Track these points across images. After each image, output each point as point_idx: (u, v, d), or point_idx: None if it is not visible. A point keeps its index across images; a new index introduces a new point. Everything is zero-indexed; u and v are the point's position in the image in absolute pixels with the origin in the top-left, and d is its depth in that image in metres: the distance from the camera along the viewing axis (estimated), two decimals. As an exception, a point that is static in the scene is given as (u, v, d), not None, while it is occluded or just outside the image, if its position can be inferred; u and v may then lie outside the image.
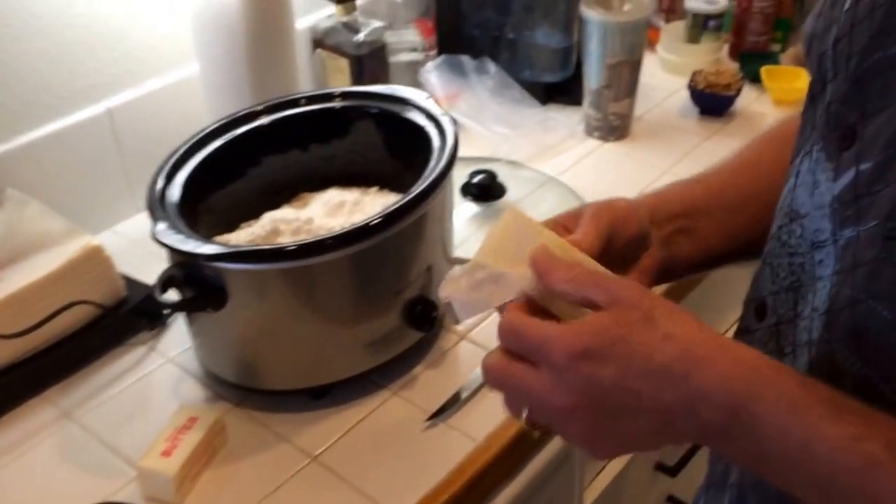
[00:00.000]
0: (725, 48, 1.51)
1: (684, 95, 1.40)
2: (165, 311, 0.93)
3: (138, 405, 0.91)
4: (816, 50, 0.58)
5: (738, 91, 1.34)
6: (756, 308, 0.62)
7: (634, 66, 1.26)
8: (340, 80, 1.29)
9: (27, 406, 0.91)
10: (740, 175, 0.73)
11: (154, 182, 0.87)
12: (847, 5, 0.55)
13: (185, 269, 0.81)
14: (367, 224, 0.80)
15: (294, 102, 0.99)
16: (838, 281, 0.52)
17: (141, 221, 1.16)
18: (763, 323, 0.61)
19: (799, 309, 0.57)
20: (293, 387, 0.88)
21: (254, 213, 0.99)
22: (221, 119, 0.97)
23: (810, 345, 0.55)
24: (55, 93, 1.07)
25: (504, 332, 0.54)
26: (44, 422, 0.89)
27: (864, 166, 0.51)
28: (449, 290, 0.57)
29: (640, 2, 1.25)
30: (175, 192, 0.88)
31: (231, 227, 0.97)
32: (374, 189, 1.02)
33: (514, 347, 0.54)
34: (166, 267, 0.83)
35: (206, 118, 1.13)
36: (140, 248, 1.11)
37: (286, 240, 0.89)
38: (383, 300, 0.87)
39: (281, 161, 1.01)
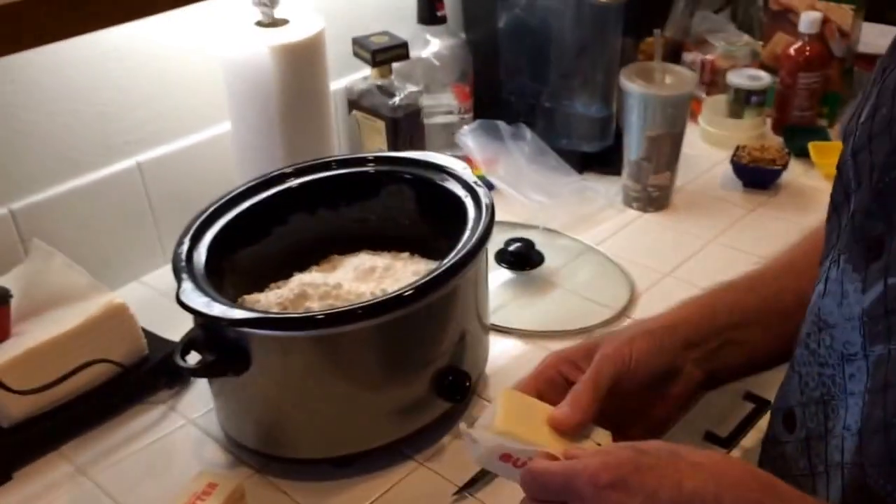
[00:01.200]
0: (769, 122, 1.48)
1: (727, 167, 1.37)
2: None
3: (156, 466, 0.88)
4: (840, 157, 0.57)
5: (785, 165, 1.30)
6: (784, 417, 0.60)
7: (676, 140, 1.24)
8: (376, 141, 1.28)
9: (43, 461, 0.88)
10: (800, 277, 0.68)
11: (180, 242, 0.86)
12: (863, 117, 0.54)
13: (207, 332, 0.79)
14: (399, 295, 0.77)
15: (326, 166, 0.98)
16: (870, 400, 0.50)
17: (168, 274, 1.14)
18: (793, 435, 0.59)
19: (830, 425, 0.55)
20: (316, 456, 0.84)
21: (282, 274, 0.97)
22: (251, 181, 0.95)
23: (843, 466, 0.52)
24: (87, 150, 1.06)
25: (527, 482, 0.53)
26: (58, 478, 0.86)
27: (892, 280, 0.49)
28: (478, 434, 0.58)
29: (684, 76, 1.23)
30: (202, 252, 0.86)
31: (259, 286, 0.95)
32: (406, 254, 0.99)
33: (540, 496, 0.52)
34: (189, 329, 0.80)
35: (238, 175, 1.12)
36: (166, 299, 1.08)
37: (314, 304, 0.86)
38: (412, 370, 0.83)
39: (311, 221, 0.99)
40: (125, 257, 1.12)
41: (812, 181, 1.35)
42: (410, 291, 0.78)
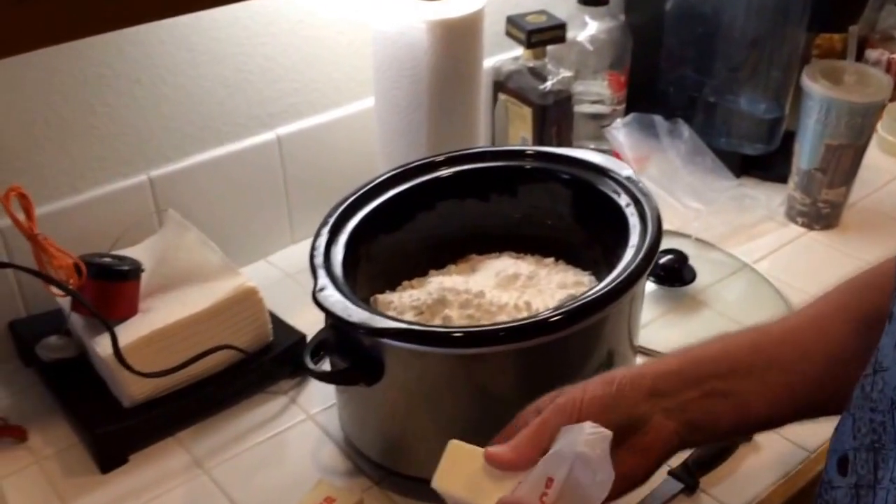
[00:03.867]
0: (956, 135, 1.34)
1: (907, 185, 1.24)
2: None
3: (272, 463, 0.84)
4: None
5: (977, 189, 1.17)
6: (839, 461, 0.57)
7: (858, 152, 1.12)
8: (521, 128, 1.20)
9: (159, 446, 0.85)
10: (806, 329, 0.65)
11: (318, 233, 0.80)
12: None
13: (340, 335, 0.73)
14: (546, 320, 0.70)
15: (479, 157, 0.91)
16: None
17: (296, 253, 1.11)
18: (845, 480, 0.56)
19: (879, 474, 0.52)
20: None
21: (417, 268, 0.91)
22: (397, 169, 0.89)
23: None
24: (229, 119, 1.02)
25: None
26: (175, 468, 0.83)
27: None
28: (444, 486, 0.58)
29: (879, 80, 1.11)
30: (340, 245, 0.80)
31: (391, 280, 0.89)
32: (551, 260, 0.92)
33: None
34: (320, 330, 0.75)
35: (379, 155, 1.07)
36: (292, 281, 1.06)
37: (453, 313, 0.79)
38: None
39: (453, 213, 0.92)
40: (255, 234, 1.09)
41: None
42: (559, 317, 0.70)
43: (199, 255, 0.92)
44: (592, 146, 1.31)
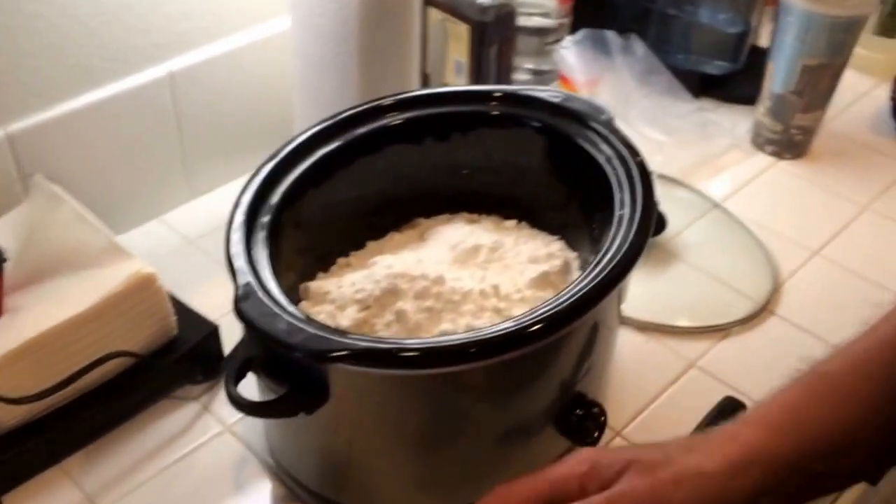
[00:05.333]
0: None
1: (876, 104, 1.12)
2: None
3: (185, 493, 0.68)
4: None
5: (960, 111, 1.06)
6: None
7: (837, 72, 0.99)
8: (457, 50, 1.03)
9: (41, 480, 0.68)
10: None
11: (232, 218, 0.62)
12: None
13: (270, 351, 0.57)
14: (530, 328, 0.55)
15: (436, 99, 0.73)
16: None
17: (196, 210, 0.93)
18: None
19: None
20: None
21: (352, 238, 0.75)
22: (331, 119, 0.71)
23: None
24: (105, 54, 0.81)
25: None
26: (61, 507, 0.67)
27: None
28: None
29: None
30: (262, 227, 0.63)
31: (323, 255, 0.73)
32: (513, 223, 0.77)
33: None
34: (241, 341, 0.59)
35: (298, 94, 0.88)
36: (194, 250, 0.88)
37: (408, 305, 0.64)
38: (536, 410, 0.62)
39: (394, 167, 0.75)
40: (145, 191, 0.90)
41: (983, 132, 1.11)
42: (546, 323, 0.55)
43: (78, 234, 0.73)
44: (531, 66, 1.15)
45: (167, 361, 0.73)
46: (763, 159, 1.06)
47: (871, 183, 1.02)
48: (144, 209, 0.90)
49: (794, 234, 0.94)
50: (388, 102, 0.72)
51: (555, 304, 0.57)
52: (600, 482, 0.44)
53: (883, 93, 1.16)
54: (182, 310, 0.76)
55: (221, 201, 0.93)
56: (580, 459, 0.46)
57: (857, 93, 1.16)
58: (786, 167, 1.05)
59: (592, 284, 0.58)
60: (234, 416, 0.73)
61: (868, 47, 1.19)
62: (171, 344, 0.74)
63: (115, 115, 0.83)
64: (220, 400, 0.75)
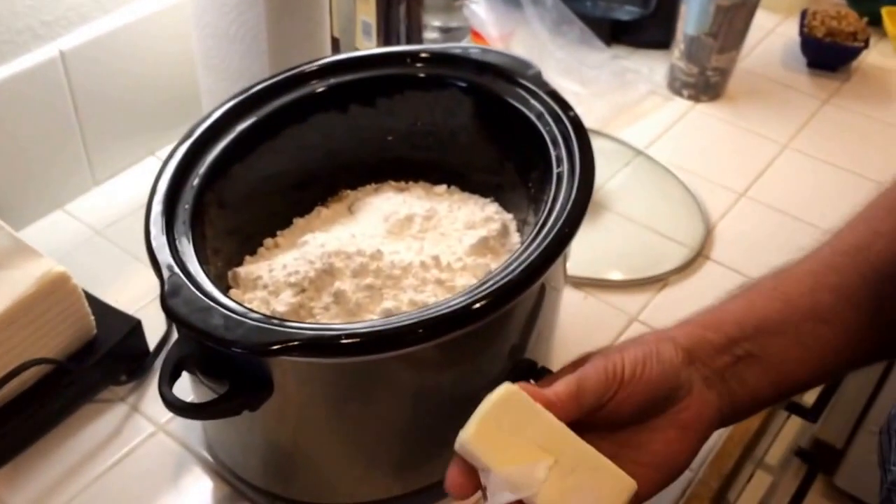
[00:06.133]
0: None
1: (785, 39, 1.13)
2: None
3: (122, 503, 0.64)
4: None
5: (866, 42, 1.07)
6: None
7: (751, 11, 0.99)
8: (364, 11, 0.99)
9: (-41, 503, 0.63)
10: (845, 268, 0.52)
11: (150, 206, 0.58)
12: None
13: (205, 349, 0.53)
14: (487, 301, 0.52)
15: (359, 63, 0.69)
16: None
17: (100, 199, 0.87)
18: None
19: None
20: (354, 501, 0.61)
21: (277, 216, 0.71)
22: (249, 89, 0.66)
23: None
24: (-14, 33, 0.75)
25: None
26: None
27: None
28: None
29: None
30: (185, 209, 0.59)
31: (248, 236, 0.68)
32: (443, 188, 0.74)
33: None
34: (174, 343, 0.54)
35: (200, 68, 0.83)
36: (103, 241, 0.83)
37: (346, 285, 0.60)
38: (488, 383, 0.60)
39: (313, 139, 0.71)
40: (44, 182, 0.83)
41: (888, 61, 1.12)
42: (500, 294, 0.53)
43: (-25, 235, 0.67)
44: (440, 23, 1.12)
45: (88, 363, 0.68)
46: (681, 103, 1.05)
47: (789, 120, 1.02)
48: (45, 200, 0.84)
49: (719, 176, 0.94)
50: (310, 69, 0.68)
51: (505, 272, 0.54)
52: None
53: (787, 29, 1.16)
54: (99, 307, 0.71)
55: (128, 186, 0.89)
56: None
57: (764, 30, 1.16)
58: (704, 109, 1.04)
59: (542, 248, 0.55)
60: (166, 414, 0.69)
61: (772, -17, 1.19)
62: (90, 345, 0.69)
63: (3, 102, 0.77)
64: (150, 398, 0.70)
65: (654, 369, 0.48)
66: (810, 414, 0.89)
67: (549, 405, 0.47)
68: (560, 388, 0.48)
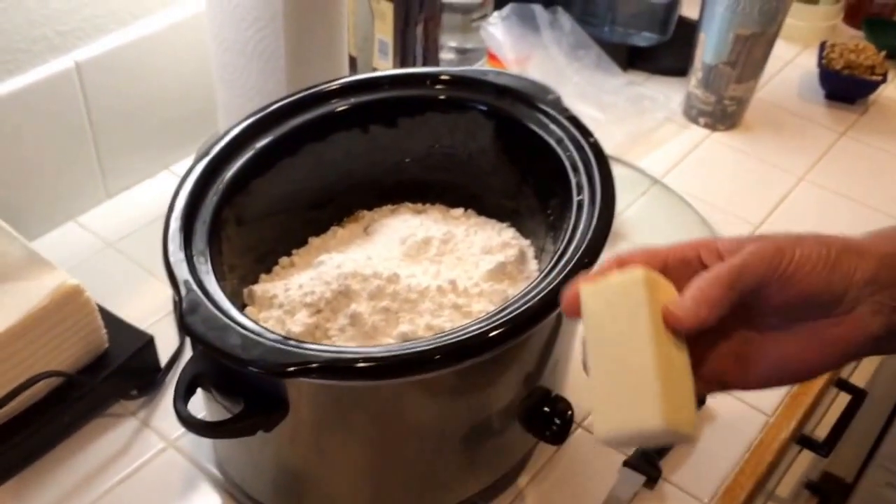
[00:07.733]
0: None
1: (802, 71, 1.13)
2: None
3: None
4: None
5: (884, 76, 1.07)
6: None
7: (770, 41, 0.98)
8: (381, 30, 0.99)
9: (-35, 515, 0.63)
10: None
11: (168, 223, 0.57)
12: None
13: (222, 367, 0.52)
14: (505, 329, 0.52)
15: (380, 83, 0.69)
16: None
17: (113, 213, 0.87)
18: None
19: None
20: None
21: (293, 235, 0.70)
22: (267, 108, 0.66)
23: None
24: (5, 44, 0.74)
25: None
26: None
27: None
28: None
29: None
30: (204, 225, 0.58)
31: (264, 255, 0.68)
32: (460, 212, 0.74)
33: None
34: (190, 360, 0.54)
35: (217, 83, 0.83)
36: (115, 254, 0.83)
37: (362, 307, 0.60)
38: (503, 410, 0.59)
39: (331, 158, 0.71)
40: (56, 193, 0.83)
41: (904, 95, 1.12)
42: (512, 324, 0.52)
43: (-9, 246, 0.67)
44: (456, 44, 1.12)
45: (100, 377, 0.67)
46: (697, 132, 1.05)
47: (805, 152, 1.02)
48: (58, 211, 0.84)
49: (735, 207, 0.93)
50: (330, 88, 0.68)
51: (524, 299, 0.54)
52: (719, 256, 0.47)
53: (806, 60, 1.16)
54: (112, 321, 0.70)
55: (141, 199, 0.88)
56: (697, 241, 0.48)
57: (783, 61, 1.16)
58: (720, 138, 1.04)
59: (562, 276, 0.55)
60: (176, 429, 0.68)
61: (791, 14, 1.19)
62: (102, 359, 0.68)
63: (18, 112, 0.76)
64: (160, 414, 0.70)
65: (821, 277, 0.45)
66: (822, 448, 0.88)
67: (683, 313, 0.45)
68: (710, 284, 0.45)
